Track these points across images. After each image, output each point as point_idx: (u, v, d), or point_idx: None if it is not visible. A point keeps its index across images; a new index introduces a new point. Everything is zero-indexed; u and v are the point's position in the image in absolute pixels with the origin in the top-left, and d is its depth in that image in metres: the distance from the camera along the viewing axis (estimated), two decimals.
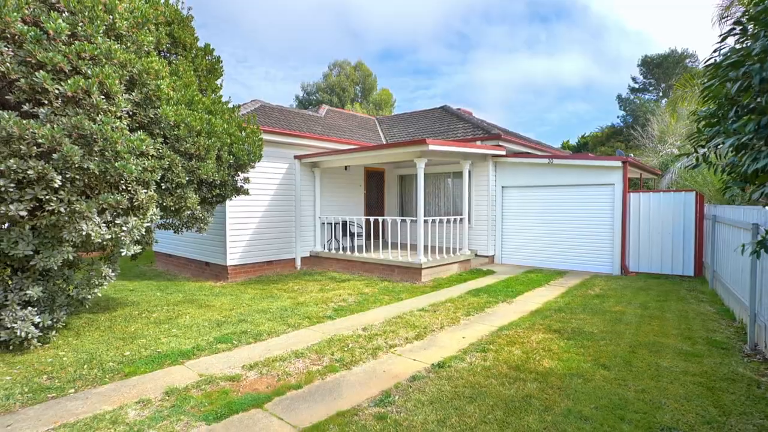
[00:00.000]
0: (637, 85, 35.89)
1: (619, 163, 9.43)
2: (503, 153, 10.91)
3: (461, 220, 10.44)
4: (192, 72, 5.57)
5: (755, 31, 2.11)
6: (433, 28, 68.64)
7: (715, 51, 2.37)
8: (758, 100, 2.08)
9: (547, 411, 3.28)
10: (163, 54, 5.49)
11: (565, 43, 67.74)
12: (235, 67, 61.75)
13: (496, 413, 3.25)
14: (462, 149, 9.52)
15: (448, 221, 10.59)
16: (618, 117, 37.89)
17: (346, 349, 4.76)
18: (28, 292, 4.55)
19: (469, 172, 10.94)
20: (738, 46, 2.26)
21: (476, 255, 11.02)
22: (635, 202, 9.57)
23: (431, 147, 8.28)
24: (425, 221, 9.71)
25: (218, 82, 6.71)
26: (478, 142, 11.13)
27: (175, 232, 6.57)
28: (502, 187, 11.20)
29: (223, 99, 6.53)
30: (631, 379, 3.85)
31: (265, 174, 9.65)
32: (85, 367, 4.29)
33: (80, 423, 3.18)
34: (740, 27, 2.22)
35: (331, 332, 5.38)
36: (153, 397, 3.63)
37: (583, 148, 38.87)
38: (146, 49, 4.52)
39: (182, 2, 6.10)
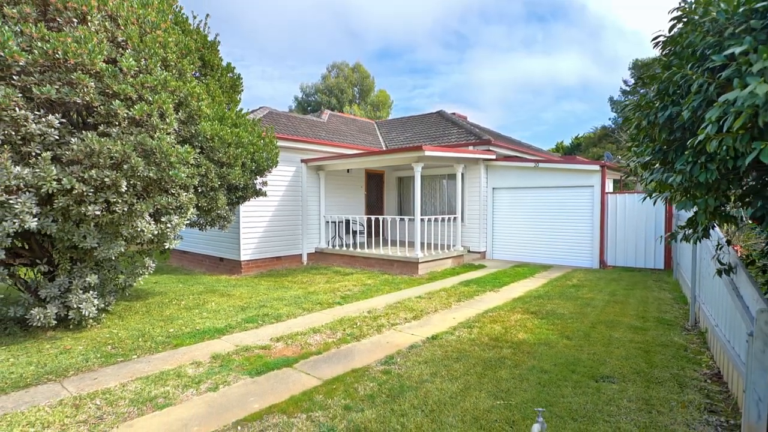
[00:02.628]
0: (627, 88, 36.95)
1: (597, 167, 10.37)
2: (494, 157, 11.84)
3: (455, 218, 11.37)
4: (220, 90, 6.45)
5: (648, 85, 3.03)
6: (431, 27, 69.57)
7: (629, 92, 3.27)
8: (651, 133, 2.99)
9: (516, 367, 4.20)
10: (195, 75, 6.37)
11: (563, 43, 68.84)
12: (236, 69, 62.20)
13: (476, 368, 4.17)
14: (455, 154, 10.44)
15: (443, 220, 11.50)
16: (610, 119, 38.93)
17: (354, 326, 5.66)
18: (87, 279, 5.42)
19: (463, 174, 11.87)
20: (643, 90, 3.17)
21: (469, 251, 11.95)
22: (612, 202, 10.52)
23: (427, 153, 9.19)
24: (422, 220, 10.62)
25: (238, 96, 7.60)
26: (471, 147, 12.06)
27: (200, 230, 7.45)
28: (493, 188, 12.13)
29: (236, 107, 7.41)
30: (587, 346, 4.78)
31: (275, 177, 10.53)
32: (140, 340, 5.17)
33: (151, 377, 4.08)
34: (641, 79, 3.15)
35: (340, 315, 6.28)
36: (203, 360, 4.52)
37: (576, 149, 39.91)
38: (188, 75, 5.41)
39: (209, 28, 6.99)
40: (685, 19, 2.53)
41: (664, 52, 2.80)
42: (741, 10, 2.06)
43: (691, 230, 3.51)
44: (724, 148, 2.11)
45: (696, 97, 2.36)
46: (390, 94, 43.46)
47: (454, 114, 16.82)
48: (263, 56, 68.75)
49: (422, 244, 11.40)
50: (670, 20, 2.58)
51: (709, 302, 4.80)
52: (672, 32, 2.81)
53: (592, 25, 63.31)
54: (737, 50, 1.95)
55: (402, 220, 12.68)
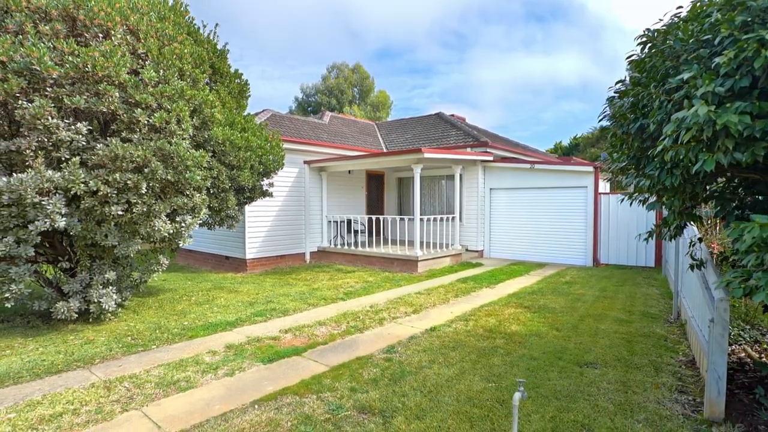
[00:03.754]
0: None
1: (591, 169, 10.73)
2: (491, 159, 12.20)
3: (453, 218, 11.73)
4: (229, 96, 6.80)
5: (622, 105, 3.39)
6: (430, 27, 69.90)
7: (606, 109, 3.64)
8: (626, 141, 3.34)
9: (507, 355, 4.56)
10: (206, 82, 6.71)
11: (562, 43, 69.31)
12: (232, 66, 62.50)
13: (471, 356, 4.53)
14: (454, 156, 10.80)
15: (442, 219, 11.85)
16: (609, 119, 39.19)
17: (358, 319, 6.02)
18: (106, 275, 5.77)
19: (461, 175, 12.23)
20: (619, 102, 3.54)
21: (467, 249, 12.31)
22: (606, 202, 10.88)
23: (426, 155, 9.54)
24: (421, 219, 10.96)
25: (245, 101, 7.94)
26: (469, 149, 12.41)
27: (209, 229, 7.79)
28: (490, 188, 12.49)
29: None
30: (574, 336, 5.14)
31: (279, 178, 10.87)
32: (157, 332, 5.52)
33: (172, 364, 4.43)
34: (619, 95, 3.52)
35: (344, 309, 6.64)
36: (217, 349, 4.87)
37: (574, 149, 40.28)
38: (201, 83, 5.76)
39: (218, 36, 7.33)
40: (650, 44, 2.89)
41: (634, 72, 3.16)
42: (691, 40, 2.42)
43: (666, 229, 3.88)
44: (681, 156, 2.47)
45: (659, 112, 2.72)
46: (390, 94, 43.82)
47: (452, 115, 17.19)
48: (263, 56, 69.05)
49: (421, 243, 11.75)
50: (638, 44, 2.94)
51: (688, 296, 5.16)
52: (642, 53, 3.17)
53: (592, 25, 63.70)
54: (686, 76, 2.31)
55: (402, 219, 13.04)
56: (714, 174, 3.10)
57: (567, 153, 39.85)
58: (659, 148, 2.47)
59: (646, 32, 2.84)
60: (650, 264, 10.43)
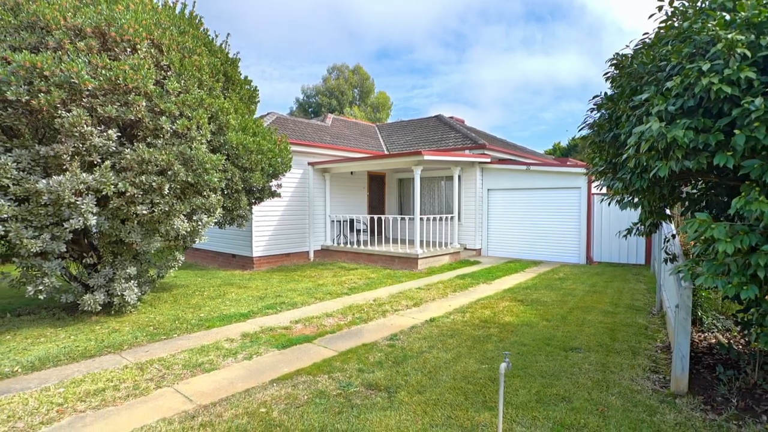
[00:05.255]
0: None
1: (583, 170, 11.16)
2: (488, 160, 12.64)
3: (452, 218, 12.17)
4: (241, 103, 7.24)
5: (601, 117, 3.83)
6: (429, 27, 70.32)
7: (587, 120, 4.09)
8: (602, 147, 3.78)
9: (500, 342, 5.00)
10: (221, 90, 7.15)
11: (562, 43, 69.83)
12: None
13: (467, 343, 4.96)
14: (452, 158, 11.24)
15: (441, 219, 12.29)
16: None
17: (362, 312, 6.45)
18: (128, 270, 6.21)
19: (459, 176, 12.67)
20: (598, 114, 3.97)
21: (465, 248, 12.74)
22: (598, 202, 11.32)
23: (426, 157, 9.98)
24: (421, 219, 11.39)
25: (254, 106, 8.37)
26: (467, 151, 12.85)
27: (220, 227, 8.22)
28: (488, 189, 12.92)
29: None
30: (562, 326, 5.58)
31: (285, 179, 11.27)
32: (176, 322, 5.95)
33: (194, 349, 4.86)
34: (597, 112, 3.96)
35: (349, 302, 7.07)
36: (234, 337, 5.30)
37: (572, 149, 40.68)
38: (217, 91, 6.19)
39: (229, 46, 7.77)
40: (620, 66, 3.33)
41: (611, 88, 3.60)
42: (650, 65, 2.86)
43: (643, 226, 4.32)
44: (643, 163, 2.91)
45: (627, 125, 3.16)
46: (389, 94, 44.29)
47: (451, 118, 17.64)
48: (262, 56, 69.46)
49: (421, 241, 12.17)
50: (610, 65, 3.38)
51: (666, 288, 5.60)
52: (618, 71, 3.61)
53: (592, 25, 64.18)
54: (645, 96, 2.75)
55: (402, 219, 13.47)
56: (680, 177, 3.53)
57: (565, 153, 40.27)
58: (624, 156, 2.91)
59: (616, 56, 3.28)
60: (641, 261, 10.87)
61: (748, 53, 2.22)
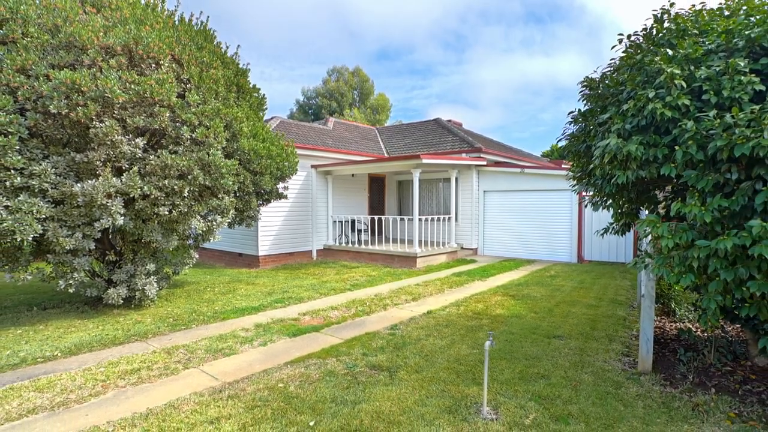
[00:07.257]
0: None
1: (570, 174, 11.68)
2: (484, 163, 13.16)
3: (450, 218, 12.69)
4: (251, 110, 7.74)
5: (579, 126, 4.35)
6: (429, 27, 70.77)
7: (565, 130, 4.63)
8: (579, 159, 4.30)
9: (491, 331, 5.49)
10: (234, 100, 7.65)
11: (562, 44, 70.38)
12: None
13: (460, 332, 5.47)
14: (450, 162, 11.76)
15: (439, 219, 12.80)
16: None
17: (365, 305, 6.96)
18: (147, 267, 6.70)
19: (457, 178, 13.19)
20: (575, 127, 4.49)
21: (462, 247, 13.26)
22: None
23: (425, 161, 10.49)
24: (420, 219, 11.90)
25: (262, 113, 8.88)
26: (464, 155, 13.37)
27: (229, 227, 8.72)
28: (484, 191, 13.44)
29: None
30: (548, 318, 6.09)
31: (289, 181, 11.80)
32: (193, 315, 6.45)
33: (213, 337, 5.36)
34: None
35: (352, 297, 7.57)
36: (248, 327, 5.80)
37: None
38: (231, 101, 6.69)
39: (239, 56, 8.27)
40: (591, 87, 3.84)
41: (583, 105, 4.11)
42: (612, 89, 3.37)
43: (617, 225, 4.84)
44: (607, 170, 3.42)
45: (596, 139, 3.67)
46: (389, 95, 44.87)
47: (449, 121, 18.17)
48: (262, 56, 69.88)
49: (420, 241, 12.69)
50: (581, 87, 3.90)
51: (644, 283, 6.11)
52: (590, 91, 4.13)
53: (591, 25, 64.78)
54: (607, 115, 3.26)
55: (402, 219, 13.99)
56: (646, 183, 4.05)
57: (562, 155, 40.80)
58: (591, 166, 3.42)
59: (587, 79, 3.79)
60: (629, 260, 11.38)
61: (684, 84, 2.73)
